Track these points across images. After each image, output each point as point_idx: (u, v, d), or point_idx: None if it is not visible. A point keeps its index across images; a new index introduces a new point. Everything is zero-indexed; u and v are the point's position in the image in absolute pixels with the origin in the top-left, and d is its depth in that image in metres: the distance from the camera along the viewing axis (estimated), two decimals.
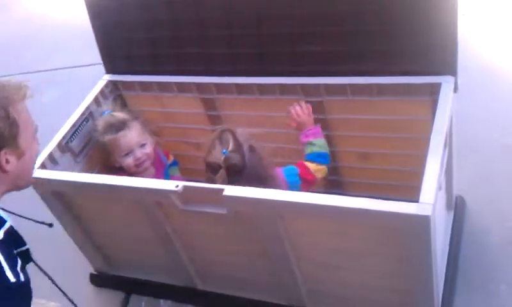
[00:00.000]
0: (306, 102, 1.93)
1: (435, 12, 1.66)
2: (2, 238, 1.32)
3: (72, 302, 1.73)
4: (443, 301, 1.78)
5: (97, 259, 2.23)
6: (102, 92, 2.24)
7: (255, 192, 1.58)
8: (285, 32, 1.92)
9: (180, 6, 2.04)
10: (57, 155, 2.02)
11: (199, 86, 2.13)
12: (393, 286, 1.66)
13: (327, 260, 1.71)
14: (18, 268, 1.29)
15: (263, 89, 2.03)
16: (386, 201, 1.43)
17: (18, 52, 4.32)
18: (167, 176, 2.26)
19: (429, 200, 1.40)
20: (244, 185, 1.65)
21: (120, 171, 2.12)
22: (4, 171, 1.31)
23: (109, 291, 2.29)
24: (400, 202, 1.41)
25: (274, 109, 2.02)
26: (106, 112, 2.14)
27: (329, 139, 2.08)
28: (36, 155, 1.43)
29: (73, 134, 2.09)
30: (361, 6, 1.77)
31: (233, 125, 1.80)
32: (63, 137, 2.05)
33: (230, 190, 1.59)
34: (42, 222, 1.71)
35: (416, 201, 1.40)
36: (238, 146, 1.71)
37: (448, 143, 1.74)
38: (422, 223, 1.39)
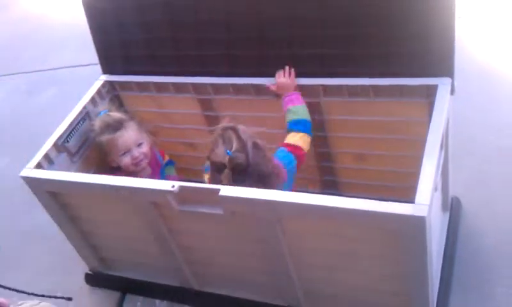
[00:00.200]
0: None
1: (432, 14, 1.67)
2: None
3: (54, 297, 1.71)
4: (439, 302, 1.78)
5: (93, 259, 2.23)
6: (98, 92, 2.24)
7: (252, 192, 1.58)
8: (283, 34, 1.92)
9: (177, 7, 2.04)
10: (53, 154, 2.02)
11: (196, 86, 2.13)
12: (388, 287, 1.66)
13: (323, 261, 1.71)
14: None
15: (260, 89, 2.03)
16: (382, 202, 1.43)
17: (15, 52, 4.32)
18: (163, 176, 2.26)
19: (425, 201, 1.40)
20: (249, 182, 1.65)
21: (117, 171, 2.12)
22: None
23: (105, 291, 2.28)
24: (396, 203, 1.41)
25: (271, 110, 2.02)
26: (102, 113, 2.14)
27: (326, 140, 2.09)
28: None
29: (69, 134, 2.08)
30: (359, 9, 1.77)
31: (235, 121, 1.78)
32: (60, 137, 2.05)
33: (226, 191, 1.59)
34: (61, 297, 1.70)
35: (412, 202, 1.40)
36: (242, 144, 1.68)
37: (445, 145, 1.74)
38: (417, 224, 1.39)
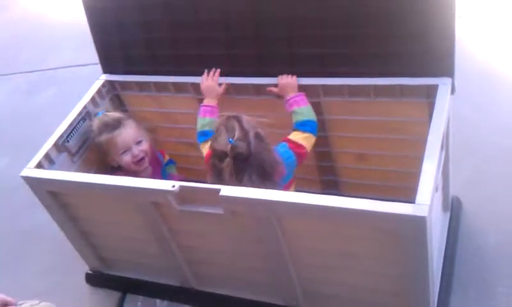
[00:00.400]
0: None
1: (432, 14, 1.67)
2: None
3: None
4: (439, 302, 1.78)
5: (93, 258, 2.23)
6: (99, 92, 2.25)
7: (252, 192, 1.59)
8: (283, 34, 1.92)
9: (177, 7, 2.04)
10: (53, 154, 2.02)
11: (196, 86, 2.13)
12: (389, 287, 1.66)
13: (323, 261, 1.71)
14: None
15: (260, 89, 2.03)
16: (382, 202, 1.43)
17: (15, 52, 4.32)
18: (164, 176, 2.26)
19: (426, 201, 1.40)
20: (250, 172, 1.65)
21: (118, 170, 2.12)
22: None
23: (105, 291, 2.28)
24: (396, 203, 1.41)
25: (272, 110, 2.02)
26: (100, 113, 2.14)
27: (326, 140, 2.09)
28: None
29: (70, 134, 2.08)
30: (359, 9, 1.77)
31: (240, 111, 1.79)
32: (60, 137, 2.05)
33: (227, 191, 1.59)
34: None
35: (413, 202, 1.40)
36: (244, 133, 1.68)
37: (445, 145, 1.74)
38: (418, 224, 1.39)
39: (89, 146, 2.17)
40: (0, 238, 2.61)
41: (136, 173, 2.10)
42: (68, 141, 2.07)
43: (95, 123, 2.11)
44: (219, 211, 1.64)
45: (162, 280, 2.15)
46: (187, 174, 2.37)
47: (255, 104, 2.06)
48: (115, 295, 2.26)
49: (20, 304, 1.54)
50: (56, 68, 3.95)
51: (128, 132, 2.08)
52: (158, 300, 2.19)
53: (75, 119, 2.11)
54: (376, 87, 1.84)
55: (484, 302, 1.87)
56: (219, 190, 1.59)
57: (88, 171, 2.14)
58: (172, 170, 2.33)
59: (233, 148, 1.66)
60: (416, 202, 1.40)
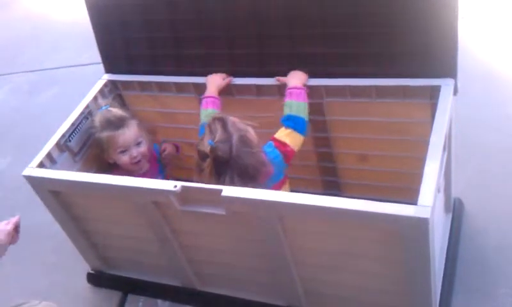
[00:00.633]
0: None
1: (435, 15, 1.66)
2: None
3: None
4: (441, 303, 1.78)
5: (95, 258, 2.23)
6: (101, 91, 2.25)
7: (254, 192, 1.58)
8: (285, 33, 1.92)
9: (180, 7, 2.04)
10: (55, 154, 2.02)
11: (197, 86, 2.13)
12: (391, 288, 1.66)
13: (325, 261, 1.71)
14: None
15: (261, 90, 2.03)
16: (384, 203, 1.42)
17: (17, 51, 4.32)
18: (161, 170, 2.26)
19: (428, 202, 1.40)
20: (230, 175, 1.66)
21: (114, 167, 2.12)
22: None
23: (107, 291, 2.28)
24: (398, 204, 1.41)
25: (273, 110, 2.01)
26: (104, 108, 2.14)
27: (328, 141, 2.08)
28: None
29: (72, 133, 2.08)
30: (361, 8, 1.77)
31: (231, 113, 1.79)
32: (62, 136, 2.05)
33: (229, 191, 1.59)
34: None
35: (415, 203, 1.40)
36: (226, 136, 1.69)
37: (447, 146, 1.74)
38: (420, 225, 1.39)
39: (91, 145, 2.17)
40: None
41: (133, 171, 2.12)
42: (70, 141, 2.07)
43: (98, 117, 2.11)
44: (221, 211, 1.64)
45: (164, 280, 2.15)
46: (188, 175, 2.36)
47: (256, 104, 2.06)
48: (116, 295, 2.25)
49: (21, 304, 1.54)
50: (57, 68, 3.95)
51: (130, 133, 2.08)
52: (159, 301, 2.19)
53: (77, 119, 2.11)
54: (378, 88, 1.83)
55: (486, 303, 1.87)
56: (221, 191, 1.59)
57: (90, 171, 2.14)
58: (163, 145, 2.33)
59: (212, 150, 1.68)
60: (418, 203, 1.40)
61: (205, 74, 2.11)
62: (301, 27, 1.88)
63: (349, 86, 1.87)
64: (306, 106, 1.88)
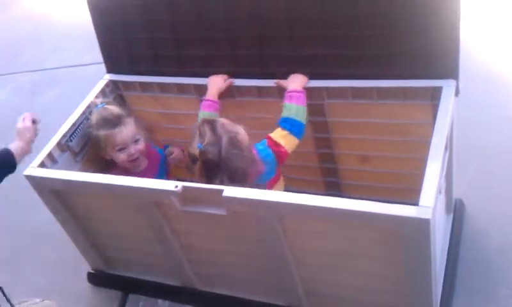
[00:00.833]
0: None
1: (437, 15, 1.66)
2: None
3: None
4: (442, 304, 1.77)
5: (95, 258, 2.23)
6: (102, 91, 2.25)
7: (255, 193, 1.58)
8: (286, 35, 1.92)
9: (181, 8, 2.04)
10: (56, 154, 2.02)
11: (198, 87, 2.13)
12: (391, 288, 1.66)
13: (325, 262, 1.71)
14: None
15: (262, 91, 2.03)
16: (386, 204, 1.43)
17: (19, 51, 4.32)
18: (162, 167, 2.25)
19: (429, 203, 1.40)
20: (220, 177, 1.67)
21: (112, 165, 2.13)
22: None
23: (107, 291, 2.28)
24: (400, 205, 1.41)
25: (274, 112, 2.01)
26: (100, 106, 2.13)
27: (329, 142, 2.08)
28: None
29: (73, 133, 2.09)
30: (362, 10, 1.77)
31: (237, 122, 1.79)
32: (63, 136, 2.05)
33: (230, 191, 1.59)
34: None
35: (416, 204, 1.40)
36: (215, 139, 1.70)
37: (449, 147, 1.74)
38: (421, 226, 1.38)
39: (91, 144, 2.17)
40: (2, 237, 2.61)
41: (131, 168, 2.12)
42: (71, 141, 2.07)
43: (94, 116, 2.10)
44: (222, 212, 1.64)
45: (164, 280, 2.15)
46: (189, 175, 2.37)
47: (257, 106, 2.06)
48: (117, 295, 2.25)
49: (22, 302, 1.55)
50: (59, 68, 3.95)
51: (128, 131, 2.07)
52: (160, 300, 2.19)
53: (78, 119, 2.11)
54: (379, 89, 1.83)
55: (487, 305, 1.87)
56: (222, 191, 1.59)
57: (91, 171, 2.14)
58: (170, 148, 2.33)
59: (201, 153, 1.69)
60: (419, 204, 1.40)
61: (206, 75, 2.11)
62: (302, 28, 1.88)
63: (350, 87, 1.87)
64: (305, 110, 1.89)
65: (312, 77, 1.94)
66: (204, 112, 2.00)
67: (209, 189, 1.64)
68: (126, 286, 2.26)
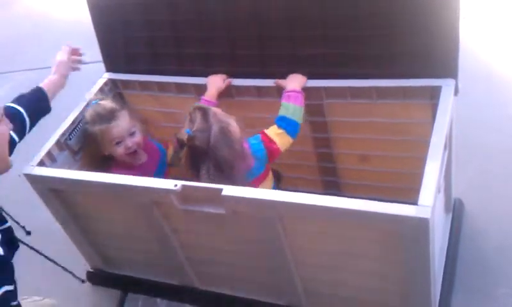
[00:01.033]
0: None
1: (436, 15, 1.66)
2: None
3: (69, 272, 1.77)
4: (441, 303, 1.78)
5: (94, 257, 2.23)
6: (101, 90, 2.25)
7: (254, 192, 1.58)
8: (285, 34, 1.92)
9: (181, 7, 2.04)
10: (55, 152, 2.02)
11: (198, 87, 2.12)
12: (390, 288, 1.66)
13: (325, 261, 1.71)
14: None
15: (261, 91, 2.02)
16: (385, 203, 1.43)
17: (18, 49, 4.32)
18: (162, 164, 2.25)
19: (428, 203, 1.40)
20: (207, 165, 1.67)
21: (113, 162, 2.12)
22: None
23: (106, 290, 2.28)
24: (399, 204, 1.41)
25: (273, 111, 2.01)
26: (94, 102, 2.13)
27: (328, 141, 2.08)
28: (5, 138, 1.39)
29: (72, 132, 2.08)
30: (362, 9, 1.77)
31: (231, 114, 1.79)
32: (62, 135, 2.05)
33: (229, 190, 1.59)
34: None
35: (415, 203, 1.40)
36: (206, 126, 1.70)
37: (448, 146, 1.74)
38: (420, 225, 1.38)
39: (87, 141, 2.15)
40: None
41: (130, 161, 2.12)
42: (70, 139, 2.07)
43: (89, 112, 2.10)
44: (221, 211, 1.64)
45: (164, 279, 2.15)
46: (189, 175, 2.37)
47: (256, 105, 2.05)
48: (116, 294, 2.26)
49: (24, 299, 1.54)
50: None
51: (123, 124, 2.07)
52: (159, 299, 2.19)
53: (77, 118, 2.11)
54: (378, 88, 1.83)
55: (487, 304, 1.87)
56: (221, 190, 1.59)
57: (90, 169, 2.13)
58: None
59: (189, 138, 1.68)
60: (418, 203, 1.40)
61: (205, 74, 2.10)
62: (302, 28, 1.88)
63: (350, 87, 1.87)
64: (302, 110, 1.88)
65: (311, 76, 1.93)
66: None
67: (208, 188, 1.64)
68: (125, 285, 2.26)
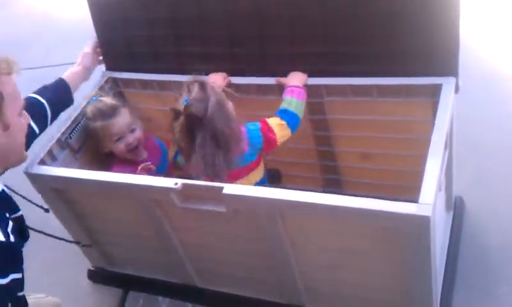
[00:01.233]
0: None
1: (437, 13, 1.66)
2: None
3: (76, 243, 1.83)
4: (442, 302, 1.78)
5: (95, 255, 2.23)
6: (102, 88, 2.24)
7: (255, 190, 1.59)
8: (286, 32, 1.92)
9: (181, 5, 2.04)
10: (56, 151, 2.02)
11: None
12: (391, 286, 1.66)
13: (326, 259, 1.71)
14: (9, 230, 1.29)
15: (262, 89, 2.02)
16: (386, 201, 1.42)
17: (19, 49, 4.31)
18: (164, 161, 2.25)
19: (429, 201, 1.39)
20: (203, 137, 1.66)
21: (114, 160, 2.12)
22: None
23: (107, 288, 2.29)
24: (400, 202, 1.41)
25: (273, 109, 2.01)
26: (94, 98, 2.14)
27: (329, 139, 2.08)
28: (24, 131, 1.39)
29: (72, 130, 2.08)
30: (362, 8, 1.77)
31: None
32: (63, 133, 2.04)
33: (230, 189, 1.59)
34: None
35: (416, 201, 1.40)
36: (204, 96, 1.69)
37: (449, 144, 1.74)
38: (421, 224, 1.38)
39: (88, 138, 2.15)
40: None
41: (130, 158, 2.12)
42: (70, 138, 2.07)
43: (90, 108, 2.10)
44: (222, 209, 1.64)
45: (165, 277, 2.15)
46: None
47: (256, 104, 2.05)
48: (117, 292, 2.26)
49: (27, 296, 1.54)
50: (59, 65, 3.93)
51: (123, 120, 2.07)
52: (160, 298, 2.19)
53: (78, 116, 2.11)
54: (379, 86, 1.83)
55: (487, 302, 1.87)
56: (222, 188, 1.59)
57: (90, 168, 2.13)
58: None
59: (187, 106, 1.66)
60: (419, 201, 1.40)
61: (205, 72, 2.10)
62: (303, 27, 1.88)
63: (350, 85, 1.87)
64: (303, 105, 1.89)
65: (311, 75, 1.93)
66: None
67: (209, 186, 1.64)
68: (126, 283, 2.26)
